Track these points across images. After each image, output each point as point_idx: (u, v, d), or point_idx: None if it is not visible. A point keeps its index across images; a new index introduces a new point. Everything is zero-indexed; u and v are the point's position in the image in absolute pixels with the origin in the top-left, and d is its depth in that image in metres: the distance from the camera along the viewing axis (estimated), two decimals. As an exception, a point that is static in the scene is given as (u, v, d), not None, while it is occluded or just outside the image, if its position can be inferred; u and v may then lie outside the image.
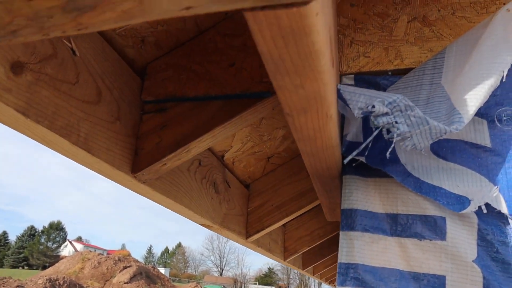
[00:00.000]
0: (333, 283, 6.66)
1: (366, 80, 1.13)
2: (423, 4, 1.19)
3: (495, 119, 1.09)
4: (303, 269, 4.76)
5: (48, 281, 20.03)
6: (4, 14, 0.45)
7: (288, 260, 3.60)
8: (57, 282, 20.50)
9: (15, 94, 0.71)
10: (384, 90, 1.12)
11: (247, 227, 2.21)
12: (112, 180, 1.10)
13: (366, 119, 1.04)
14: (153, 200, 1.29)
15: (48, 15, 0.45)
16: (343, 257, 1.06)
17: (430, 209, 1.07)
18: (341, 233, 1.08)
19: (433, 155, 1.06)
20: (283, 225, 3.38)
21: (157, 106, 1.11)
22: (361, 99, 0.83)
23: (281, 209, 2.24)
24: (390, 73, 1.14)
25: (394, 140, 0.83)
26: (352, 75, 1.14)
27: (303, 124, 0.74)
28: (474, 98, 0.91)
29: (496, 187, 1.04)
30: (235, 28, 1.13)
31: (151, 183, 1.15)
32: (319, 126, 0.75)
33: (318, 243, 3.52)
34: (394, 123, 0.81)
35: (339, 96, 0.88)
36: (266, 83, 1.05)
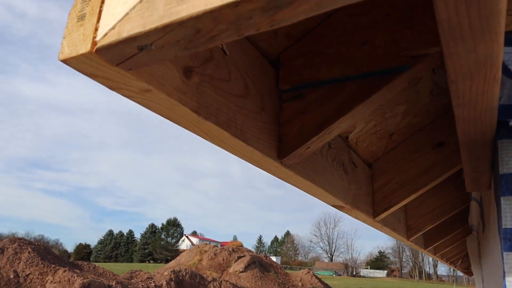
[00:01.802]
0: (454, 264, 6.33)
1: (512, 39, 1.05)
2: None
3: None
4: (425, 249, 4.59)
5: (172, 272, 21.69)
6: (210, 22, 0.51)
7: (411, 239, 3.50)
8: (180, 273, 22.11)
9: (189, 95, 0.80)
10: (538, 46, 1.04)
11: (374, 207, 2.19)
12: (259, 167, 1.17)
13: None
14: (293, 184, 1.35)
15: (248, 17, 0.50)
16: (508, 222, 1.02)
17: None
18: (502, 198, 1.04)
19: None
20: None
21: (294, 93, 1.16)
22: None
23: (406, 186, 2.19)
24: (542, 26, 1.05)
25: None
26: (498, 35, 1.07)
27: (467, 89, 0.73)
28: None
29: None
30: (362, 7, 1.13)
31: (294, 167, 1.20)
32: (483, 90, 0.73)
33: (439, 221, 3.38)
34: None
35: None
36: (403, 57, 1.04)
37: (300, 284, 29.78)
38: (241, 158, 1.09)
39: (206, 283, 22.56)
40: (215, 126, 0.88)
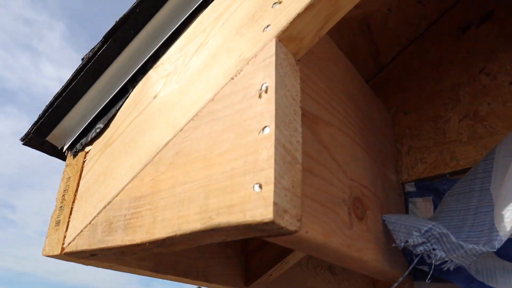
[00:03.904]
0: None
1: (426, 186, 1.20)
2: (473, 99, 1.24)
3: None
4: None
5: None
6: (128, 249, 0.74)
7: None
8: None
9: (147, 260, 1.02)
10: (443, 194, 1.18)
11: (376, 297, 2.26)
12: (229, 293, 1.35)
13: None
14: (271, 299, 1.51)
15: (148, 249, 0.73)
16: None
17: None
18: None
19: (497, 257, 1.08)
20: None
21: (257, 227, 1.36)
22: (402, 229, 0.95)
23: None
24: (448, 175, 1.20)
25: (433, 265, 0.92)
26: (413, 183, 1.23)
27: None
28: None
29: None
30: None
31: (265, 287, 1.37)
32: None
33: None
34: (431, 250, 0.91)
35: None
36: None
37: None
38: None
39: None
40: (175, 277, 1.09)
